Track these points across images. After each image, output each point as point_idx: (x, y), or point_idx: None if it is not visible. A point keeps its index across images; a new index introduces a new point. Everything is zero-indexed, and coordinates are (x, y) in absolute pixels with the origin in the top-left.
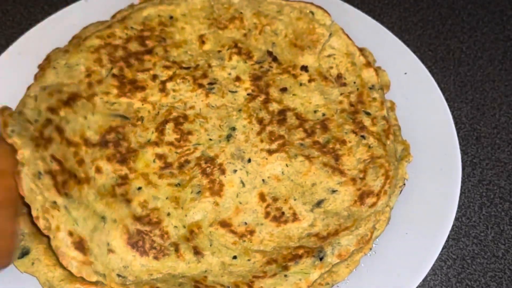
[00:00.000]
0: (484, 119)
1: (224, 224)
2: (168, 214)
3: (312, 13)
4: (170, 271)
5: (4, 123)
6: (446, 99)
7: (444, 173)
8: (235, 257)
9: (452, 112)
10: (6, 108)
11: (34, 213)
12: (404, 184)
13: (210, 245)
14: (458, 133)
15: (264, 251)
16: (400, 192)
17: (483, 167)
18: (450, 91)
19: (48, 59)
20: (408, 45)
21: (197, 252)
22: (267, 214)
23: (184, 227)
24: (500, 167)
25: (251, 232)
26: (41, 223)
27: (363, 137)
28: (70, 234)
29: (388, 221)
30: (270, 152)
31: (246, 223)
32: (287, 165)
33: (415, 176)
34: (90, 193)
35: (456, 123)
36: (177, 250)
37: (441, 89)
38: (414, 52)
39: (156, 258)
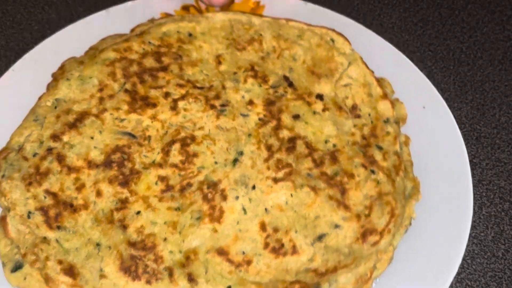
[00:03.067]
0: (484, 119)
1: (222, 252)
2: (165, 239)
3: (333, 40)
4: None
5: None
6: (446, 99)
7: (454, 214)
8: (229, 287)
9: (452, 112)
10: (2, 151)
11: (22, 251)
12: (410, 224)
13: (205, 273)
14: None
15: (260, 282)
16: (406, 231)
17: (483, 167)
18: (450, 91)
19: (62, 69)
20: (408, 45)
21: (191, 279)
22: (266, 245)
23: (180, 252)
24: (500, 167)
25: (248, 262)
26: (29, 259)
27: (372, 171)
28: (60, 262)
29: (390, 261)
30: (276, 180)
31: (244, 252)
32: (291, 195)
33: (423, 216)
34: (88, 219)
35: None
36: (171, 275)
37: (441, 89)
38: (414, 52)
39: (148, 282)
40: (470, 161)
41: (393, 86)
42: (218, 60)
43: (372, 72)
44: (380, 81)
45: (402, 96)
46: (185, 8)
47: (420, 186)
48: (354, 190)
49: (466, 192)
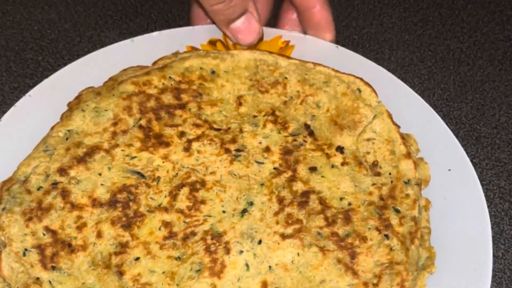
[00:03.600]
0: (484, 119)
1: None
2: None
3: (360, 90)
4: None
5: None
6: (446, 99)
7: None
8: None
9: (452, 112)
10: (6, 182)
11: None
12: None
13: None
14: (458, 133)
15: None
16: None
17: (483, 167)
18: (450, 91)
19: (78, 99)
20: (408, 45)
21: None
22: None
23: None
24: (500, 167)
25: None
26: None
27: (386, 236)
28: None
29: None
30: (284, 236)
31: None
32: (298, 254)
33: None
34: (85, 262)
35: (456, 123)
36: None
37: (441, 89)
38: (414, 52)
39: None
40: (470, 161)
41: (419, 143)
42: (239, 101)
43: (398, 127)
44: (405, 138)
45: (428, 155)
46: (212, 42)
47: (436, 257)
48: (365, 255)
49: (485, 266)
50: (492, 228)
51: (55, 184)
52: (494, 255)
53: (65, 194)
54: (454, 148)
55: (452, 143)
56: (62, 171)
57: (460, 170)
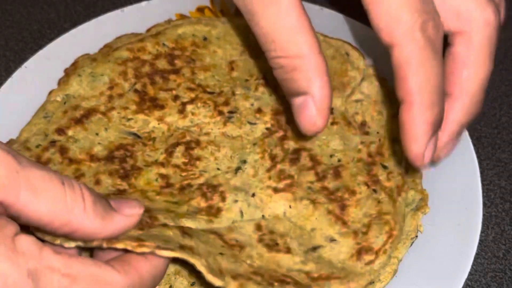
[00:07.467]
0: (485, 119)
1: (216, 233)
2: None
3: (348, 54)
4: None
5: None
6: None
7: (462, 228)
8: (221, 254)
9: None
10: (8, 142)
11: None
12: (417, 236)
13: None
14: None
15: (252, 265)
16: (411, 244)
17: (483, 167)
18: None
19: (75, 65)
20: None
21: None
22: (260, 240)
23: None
24: (500, 167)
25: (241, 247)
26: None
27: (374, 191)
28: None
29: (394, 273)
30: (276, 190)
31: (237, 240)
32: (290, 207)
33: (430, 228)
34: None
35: None
36: None
37: None
38: None
39: None
40: None
41: None
42: (231, 66)
43: (387, 80)
44: (393, 94)
45: None
46: (200, 9)
47: (428, 199)
48: (354, 207)
49: (476, 204)
50: (492, 228)
51: (53, 142)
52: (494, 256)
53: (63, 150)
54: None
55: None
56: (60, 130)
57: None
